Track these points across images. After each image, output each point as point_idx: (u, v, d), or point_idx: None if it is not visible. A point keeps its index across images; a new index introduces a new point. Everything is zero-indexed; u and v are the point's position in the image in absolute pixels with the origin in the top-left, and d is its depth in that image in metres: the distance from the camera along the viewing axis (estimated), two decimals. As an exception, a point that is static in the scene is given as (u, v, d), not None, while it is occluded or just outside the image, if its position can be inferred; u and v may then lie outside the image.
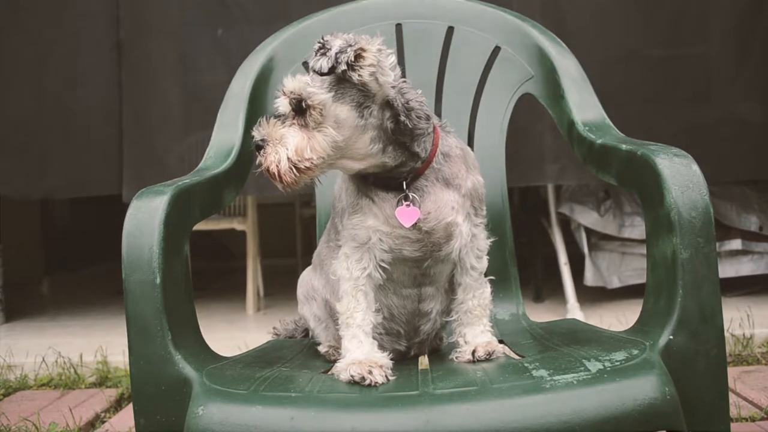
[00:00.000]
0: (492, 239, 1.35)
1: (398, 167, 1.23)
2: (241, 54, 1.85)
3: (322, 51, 1.14)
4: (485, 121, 1.76)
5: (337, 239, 1.32)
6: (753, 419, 2.06)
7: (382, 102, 1.19)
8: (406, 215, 1.22)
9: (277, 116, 1.20)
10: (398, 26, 1.80)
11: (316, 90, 1.15)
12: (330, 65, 1.12)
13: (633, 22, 3.22)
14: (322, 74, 1.14)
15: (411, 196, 1.23)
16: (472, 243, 1.29)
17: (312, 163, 1.16)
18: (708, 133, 3.18)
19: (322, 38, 1.15)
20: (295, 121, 1.17)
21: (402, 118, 1.19)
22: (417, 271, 1.29)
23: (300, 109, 1.16)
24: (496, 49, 1.78)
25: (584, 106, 1.61)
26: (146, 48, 3.38)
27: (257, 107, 1.74)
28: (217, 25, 3.32)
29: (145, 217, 1.20)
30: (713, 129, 3.19)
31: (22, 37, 3.38)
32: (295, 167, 1.15)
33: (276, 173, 1.16)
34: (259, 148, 1.18)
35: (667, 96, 3.20)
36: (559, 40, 1.75)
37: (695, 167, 1.18)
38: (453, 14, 1.81)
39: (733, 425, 1.94)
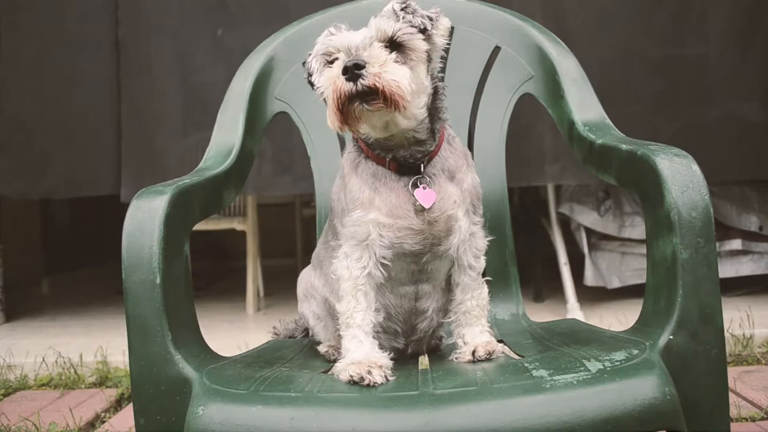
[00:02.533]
0: (490, 239, 1.35)
1: (418, 144, 1.26)
2: (241, 54, 1.85)
3: (408, 10, 1.19)
4: (485, 121, 1.76)
5: (336, 239, 1.32)
6: (753, 419, 2.06)
7: (432, 72, 1.25)
8: (425, 197, 1.23)
9: (330, 60, 1.20)
10: (398, 26, 1.80)
11: (419, 37, 1.19)
12: (425, 24, 1.19)
13: (633, 22, 3.22)
14: (420, 30, 1.19)
15: (427, 179, 1.25)
16: (470, 241, 1.30)
17: (408, 98, 1.14)
18: (708, 133, 3.18)
19: (407, 1, 1.20)
20: (392, 56, 1.16)
21: (440, 91, 1.26)
22: (415, 267, 1.29)
23: (398, 49, 1.17)
24: (496, 49, 1.78)
25: (584, 106, 1.61)
26: (145, 48, 3.38)
27: (257, 107, 1.74)
28: (217, 24, 3.32)
29: (145, 217, 1.20)
30: (713, 129, 3.19)
31: (21, 37, 3.38)
32: (402, 96, 1.12)
33: (390, 93, 1.11)
34: (351, 69, 1.11)
35: (667, 96, 3.20)
36: (559, 40, 1.75)
37: (695, 167, 1.18)
38: (453, 14, 1.80)
39: (733, 425, 1.94)
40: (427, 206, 1.23)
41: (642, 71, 3.20)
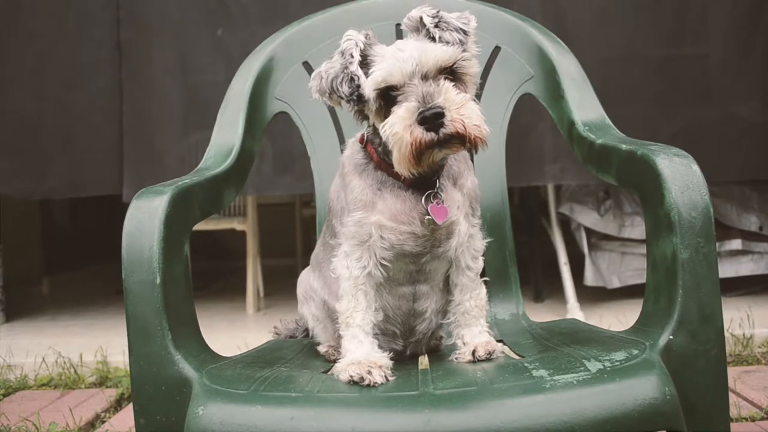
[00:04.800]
0: (488, 240, 1.35)
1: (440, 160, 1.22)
2: (241, 54, 1.85)
3: (441, 25, 1.15)
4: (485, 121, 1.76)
5: (334, 238, 1.31)
6: (753, 419, 2.06)
7: None
8: (438, 212, 1.22)
9: (384, 88, 1.13)
10: (398, 26, 1.80)
11: (474, 63, 1.16)
12: (460, 38, 1.15)
13: (633, 22, 3.22)
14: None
15: (441, 195, 1.23)
16: (468, 243, 1.29)
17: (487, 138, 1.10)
18: (708, 133, 3.18)
19: (437, 11, 1.16)
20: (467, 96, 1.12)
21: None
22: (413, 267, 1.29)
23: (453, 77, 1.14)
24: (496, 49, 1.78)
25: (584, 106, 1.61)
26: (146, 48, 3.38)
27: (257, 107, 1.74)
28: (217, 25, 3.33)
29: (145, 217, 1.20)
30: (713, 129, 3.19)
31: (22, 38, 3.39)
32: (483, 139, 1.09)
33: (474, 139, 1.08)
34: (431, 119, 1.06)
35: (667, 96, 3.20)
36: (559, 40, 1.75)
37: (695, 167, 1.18)
38: (453, 14, 1.81)
39: (733, 425, 1.95)
40: (440, 222, 1.21)
41: (642, 71, 3.20)
